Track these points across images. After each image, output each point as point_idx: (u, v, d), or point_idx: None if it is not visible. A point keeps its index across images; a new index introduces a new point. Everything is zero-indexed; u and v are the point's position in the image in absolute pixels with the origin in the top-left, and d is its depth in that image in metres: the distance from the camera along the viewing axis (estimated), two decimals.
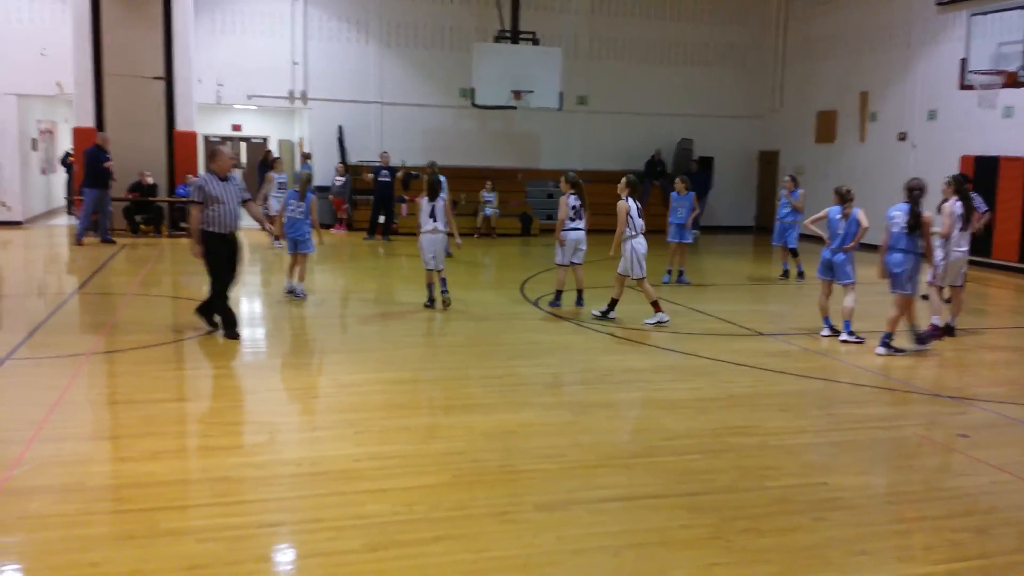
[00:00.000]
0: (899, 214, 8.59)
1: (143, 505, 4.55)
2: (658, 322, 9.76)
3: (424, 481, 5.01)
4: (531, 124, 21.76)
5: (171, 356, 8.02)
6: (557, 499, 4.80)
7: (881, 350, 8.62)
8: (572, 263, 10.65)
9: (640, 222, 9.84)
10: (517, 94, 19.03)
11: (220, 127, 24.89)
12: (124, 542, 4.14)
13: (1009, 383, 8.01)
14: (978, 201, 10.87)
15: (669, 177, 20.00)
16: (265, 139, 25.52)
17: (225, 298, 8.62)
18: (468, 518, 4.54)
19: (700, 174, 21.60)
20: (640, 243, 9.77)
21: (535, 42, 19.93)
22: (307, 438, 5.91)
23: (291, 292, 10.94)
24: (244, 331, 9.28)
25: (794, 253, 13.82)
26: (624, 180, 9.88)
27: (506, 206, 20.15)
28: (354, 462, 5.30)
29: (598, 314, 10.05)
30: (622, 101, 22.29)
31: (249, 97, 20.28)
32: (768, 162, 23.12)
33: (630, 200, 9.75)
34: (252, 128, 25.51)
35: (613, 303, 10.01)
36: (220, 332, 8.65)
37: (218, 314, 8.72)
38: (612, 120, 22.29)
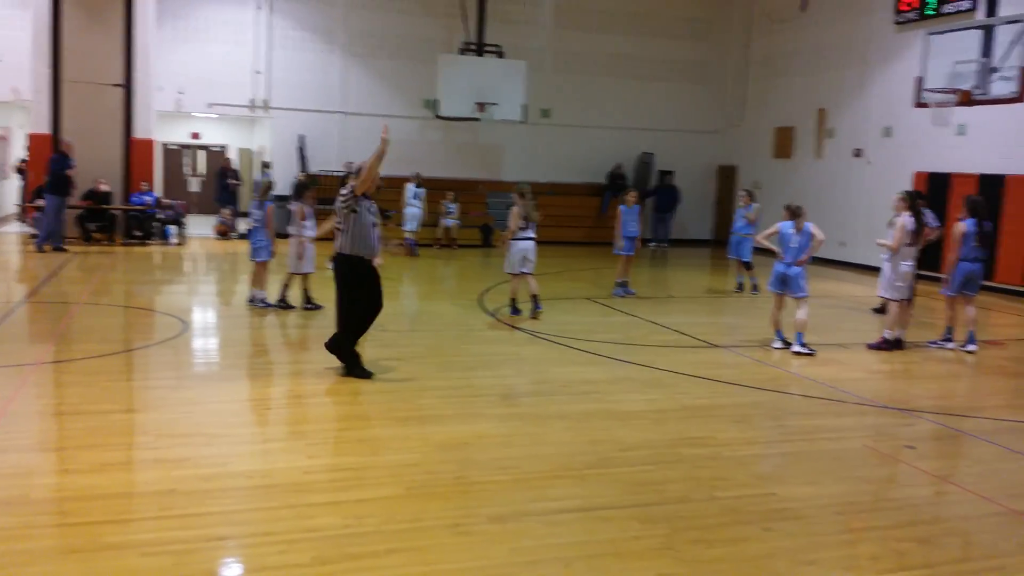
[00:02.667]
0: (973, 229, 9.68)
1: (87, 518, 4.46)
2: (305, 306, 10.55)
3: (377, 493, 4.97)
4: (495, 136, 21.82)
5: (120, 366, 7.88)
6: (511, 511, 4.79)
7: (972, 347, 9.74)
8: (522, 272, 10.78)
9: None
10: (481, 106, 19.09)
11: (179, 135, 24.61)
12: (67, 556, 4.06)
13: (955, 395, 8.20)
14: (930, 217, 11.09)
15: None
16: (224, 147, 25.27)
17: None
18: (421, 530, 4.51)
19: (670, 189, 21.77)
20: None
21: (500, 55, 20.03)
22: (258, 450, 5.83)
23: (251, 301, 10.86)
24: (197, 342, 9.18)
25: (748, 266, 13.99)
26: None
27: (467, 217, 20.14)
28: (305, 474, 5.25)
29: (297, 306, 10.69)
30: (585, 114, 22.46)
31: (210, 105, 20.07)
32: (726, 177, 23.41)
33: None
34: (211, 136, 25.25)
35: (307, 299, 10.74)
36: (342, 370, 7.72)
37: (345, 349, 7.64)
38: (575, 133, 22.44)
